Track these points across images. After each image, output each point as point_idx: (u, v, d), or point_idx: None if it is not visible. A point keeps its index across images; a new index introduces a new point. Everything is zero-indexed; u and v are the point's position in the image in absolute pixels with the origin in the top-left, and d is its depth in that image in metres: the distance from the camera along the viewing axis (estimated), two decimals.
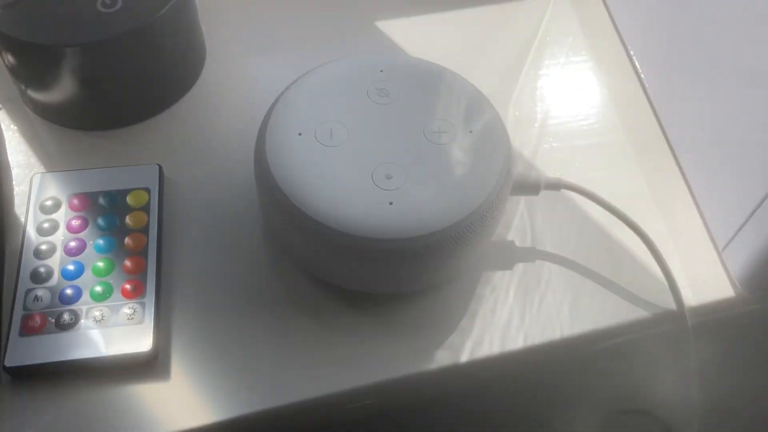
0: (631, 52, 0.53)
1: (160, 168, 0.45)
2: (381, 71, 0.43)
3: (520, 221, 0.45)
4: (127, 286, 0.40)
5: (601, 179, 0.47)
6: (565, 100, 0.52)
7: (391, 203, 0.37)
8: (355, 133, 0.40)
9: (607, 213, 0.44)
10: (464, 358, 0.40)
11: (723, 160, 0.45)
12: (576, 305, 0.42)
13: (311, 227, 0.37)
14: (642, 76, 0.52)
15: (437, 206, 0.38)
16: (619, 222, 0.43)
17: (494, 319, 0.42)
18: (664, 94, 0.50)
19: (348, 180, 0.38)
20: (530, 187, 0.43)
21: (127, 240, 0.42)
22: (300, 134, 0.40)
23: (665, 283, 0.43)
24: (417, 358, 0.40)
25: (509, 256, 0.44)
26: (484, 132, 0.41)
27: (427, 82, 0.43)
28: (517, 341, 0.41)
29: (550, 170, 0.48)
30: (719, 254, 0.44)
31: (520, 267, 0.44)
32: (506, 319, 0.42)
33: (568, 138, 0.50)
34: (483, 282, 0.43)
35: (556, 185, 0.43)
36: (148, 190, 0.44)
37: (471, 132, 0.41)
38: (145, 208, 0.43)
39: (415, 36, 0.54)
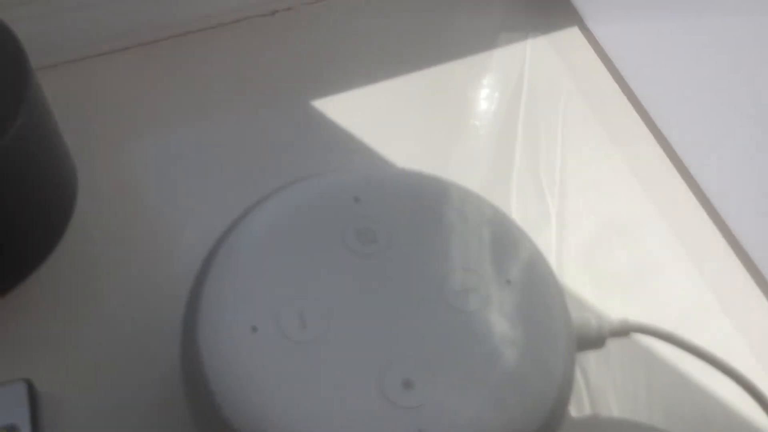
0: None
1: (30, 385, 0.29)
2: (356, 200, 0.29)
3: None
4: None
5: (659, 301, 0.35)
6: (586, 181, 0.39)
7: (421, 431, 0.23)
8: (340, 314, 0.26)
9: (679, 354, 0.32)
10: None
11: None
12: None
13: None
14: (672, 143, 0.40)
15: (492, 422, 0.24)
16: (699, 364, 0.31)
17: None
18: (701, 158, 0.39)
19: (345, 400, 0.24)
20: (592, 342, 0.30)
21: None
22: (255, 329, 0.25)
23: None
24: None
25: None
26: (527, 278, 0.27)
27: (426, 209, 0.29)
28: None
29: (585, 293, 0.35)
30: None
31: None
32: None
33: (598, 239, 0.37)
34: None
35: (623, 330, 0.30)
36: (14, 429, 0.28)
37: (509, 282, 0.27)
38: None
39: (366, 114, 0.40)
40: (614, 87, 0.43)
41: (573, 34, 0.44)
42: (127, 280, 0.33)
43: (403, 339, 0.25)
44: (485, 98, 0.42)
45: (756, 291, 0.36)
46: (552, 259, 0.36)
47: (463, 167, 0.39)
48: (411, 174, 0.30)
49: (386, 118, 0.40)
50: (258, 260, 0.27)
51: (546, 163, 0.40)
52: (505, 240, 0.28)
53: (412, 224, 0.28)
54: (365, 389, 0.24)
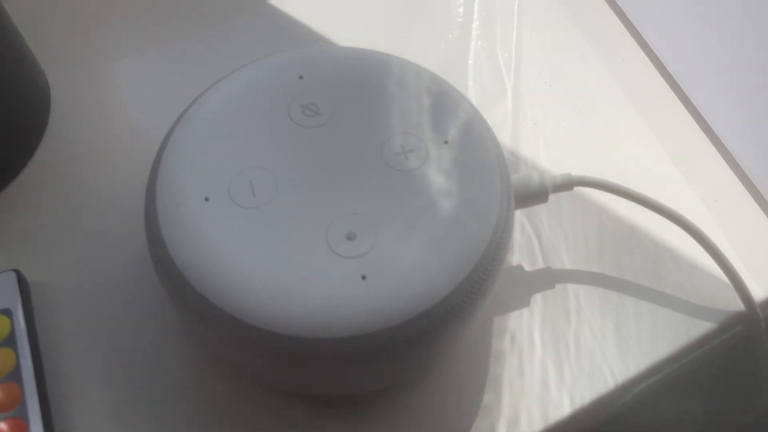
0: None
1: (19, 273, 0.32)
2: (300, 77, 0.30)
3: (522, 236, 0.34)
4: None
5: (611, 159, 0.36)
6: (540, 54, 0.40)
7: (364, 277, 0.26)
8: (287, 180, 0.28)
9: (632, 206, 0.33)
10: None
11: (754, 103, 0.34)
12: (622, 335, 0.32)
13: (254, 338, 0.25)
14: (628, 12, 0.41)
15: (432, 263, 0.26)
16: (650, 214, 0.33)
17: (525, 383, 0.31)
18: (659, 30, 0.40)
19: (295, 254, 0.26)
20: (535, 195, 0.31)
21: None
22: (207, 199, 0.27)
23: (722, 278, 0.33)
24: None
25: (521, 287, 0.33)
26: (464, 137, 0.29)
27: (368, 81, 0.30)
28: (562, 406, 0.30)
29: (540, 160, 0.37)
30: None
31: (538, 299, 0.33)
32: (540, 378, 0.31)
33: (554, 110, 0.38)
34: (497, 333, 0.32)
35: (566, 184, 0.32)
36: (8, 313, 0.31)
37: (446, 142, 0.29)
38: (9, 342, 0.30)
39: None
40: None
41: None
42: (103, 176, 0.35)
43: (346, 199, 0.27)
44: None
45: (708, 146, 0.38)
46: (508, 131, 0.37)
47: (420, 48, 0.40)
48: (352, 50, 0.32)
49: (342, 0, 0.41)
50: (209, 137, 0.28)
51: (502, 40, 0.41)
52: (444, 104, 0.30)
53: (353, 96, 0.30)
54: (312, 245, 0.26)
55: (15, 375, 0.29)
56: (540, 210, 0.35)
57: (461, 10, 0.42)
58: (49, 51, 0.38)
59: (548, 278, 0.33)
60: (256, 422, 0.30)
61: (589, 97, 0.39)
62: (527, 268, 0.33)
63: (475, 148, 0.29)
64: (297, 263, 0.26)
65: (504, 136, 0.37)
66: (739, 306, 0.33)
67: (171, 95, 0.35)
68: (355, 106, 0.29)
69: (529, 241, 0.34)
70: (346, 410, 0.30)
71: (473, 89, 0.39)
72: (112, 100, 0.38)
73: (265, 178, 0.27)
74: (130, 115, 0.37)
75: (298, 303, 0.25)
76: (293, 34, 0.40)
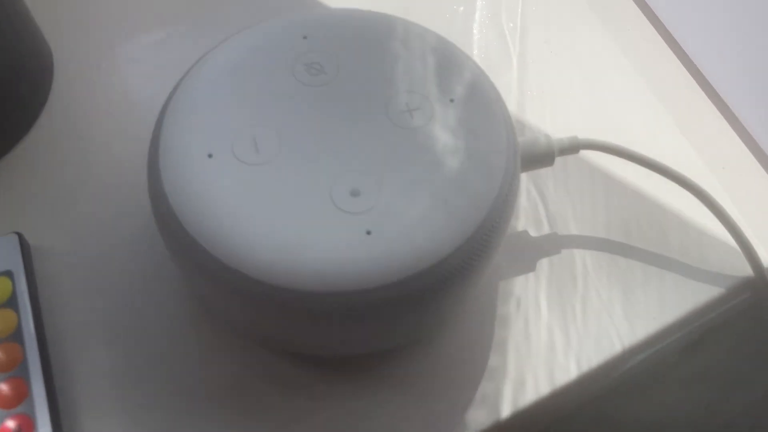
0: None
1: (21, 236, 0.31)
2: (304, 38, 0.30)
3: (527, 202, 0.34)
4: (9, 425, 0.27)
5: (618, 127, 0.36)
6: (545, 24, 0.40)
7: (369, 232, 0.25)
8: (291, 138, 0.27)
9: (638, 172, 0.33)
10: (506, 411, 0.29)
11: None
12: (629, 300, 0.32)
13: (257, 292, 0.25)
14: None
15: (437, 219, 0.26)
16: (657, 180, 0.32)
17: (531, 347, 0.30)
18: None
19: (298, 210, 0.26)
20: (541, 157, 0.31)
21: None
22: (210, 155, 0.27)
23: (730, 243, 0.33)
24: (441, 426, 0.29)
25: (526, 252, 0.33)
26: (470, 96, 0.29)
27: (372, 42, 0.30)
28: (569, 370, 0.30)
29: (546, 127, 0.36)
30: None
31: (544, 264, 0.32)
32: (546, 342, 0.31)
33: (559, 78, 0.38)
34: (503, 296, 0.32)
35: (572, 147, 0.31)
36: (9, 275, 0.30)
37: (452, 101, 0.28)
38: (11, 304, 0.30)
39: None
40: None
41: None
42: (105, 140, 0.35)
43: (350, 156, 0.27)
44: None
45: (716, 113, 0.37)
46: (514, 98, 0.37)
47: (424, 17, 0.39)
48: (357, 11, 0.31)
49: None
50: (212, 95, 0.28)
51: (507, 10, 0.40)
52: (449, 64, 0.29)
53: (358, 56, 0.29)
54: (316, 201, 0.26)
55: (17, 336, 0.29)
56: (546, 175, 0.34)
57: None
58: (54, 21, 0.38)
59: (554, 244, 0.33)
60: (263, 387, 0.29)
61: (595, 66, 0.38)
62: (533, 233, 0.33)
63: (481, 107, 0.28)
64: (301, 219, 0.26)
65: (510, 104, 0.37)
66: (747, 272, 0.32)
67: (174, 64, 0.35)
68: (360, 65, 0.29)
69: (535, 207, 0.34)
70: (351, 373, 0.30)
71: (478, 58, 0.38)
72: (114, 69, 0.37)
73: (269, 136, 0.27)
74: (132, 82, 0.37)
75: (302, 257, 0.25)
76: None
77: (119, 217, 0.33)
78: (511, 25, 0.40)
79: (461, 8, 0.40)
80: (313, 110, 0.28)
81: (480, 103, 0.29)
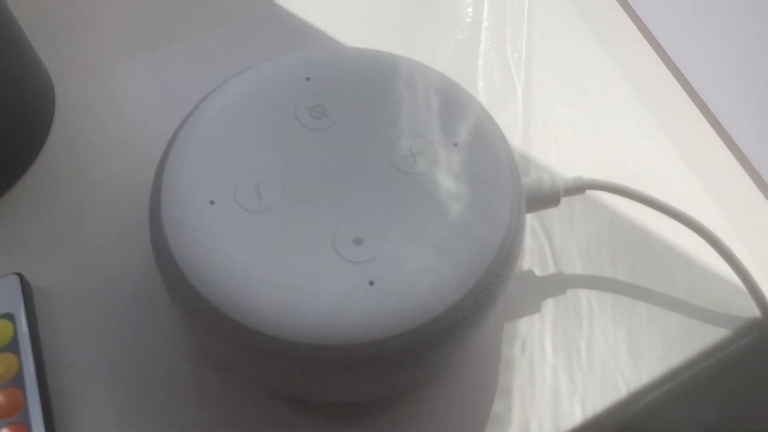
0: None
1: (22, 277, 0.31)
2: (307, 79, 0.30)
3: (533, 240, 0.34)
4: None
5: (624, 162, 0.35)
6: (550, 55, 0.39)
7: (372, 282, 0.25)
8: (294, 184, 0.27)
9: (644, 211, 0.32)
10: None
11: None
12: (634, 341, 0.31)
13: (259, 344, 0.25)
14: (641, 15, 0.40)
15: (441, 269, 0.25)
16: (663, 219, 0.32)
17: (536, 391, 0.30)
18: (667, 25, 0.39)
19: (301, 259, 0.25)
20: (546, 199, 0.31)
21: None
22: (213, 202, 0.26)
23: (736, 283, 0.32)
24: None
25: (531, 293, 0.32)
26: (474, 140, 0.28)
27: (376, 83, 0.30)
28: (574, 415, 0.30)
29: (551, 161, 0.36)
30: None
31: (549, 304, 0.32)
32: (551, 386, 0.30)
33: (565, 111, 0.38)
34: (507, 338, 0.31)
35: (578, 188, 0.31)
36: (10, 317, 0.30)
37: (456, 145, 0.28)
38: (12, 347, 0.30)
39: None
40: None
41: None
42: (107, 178, 0.35)
43: (354, 202, 0.27)
44: None
45: (722, 149, 0.37)
46: (519, 133, 0.37)
47: (428, 49, 0.39)
48: (359, 50, 0.31)
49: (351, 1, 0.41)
50: (214, 139, 0.28)
51: (512, 41, 0.40)
52: (453, 106, 0.29)
53: (361, 98, 0.29)
54: (319, 249, 0.26)
55: (17, 380, 0.29)
56: (551, 214, 0.34)
57: (470, 10, 0.41)
58: (54, 52, 0.38)
59: (560, 283, 0.33)
60: (261, 428, 0.29)
61: (600, 99, 0.38)
62: (538, 273, 0.33)
63: (485, 151, 0.28)
64: (303, 268, 0.25)
65: (514, 138, 0.36)
66: (754, 312, 0.32)
67: (176, 96, 0.35)
68: (363, 107, 0.29)
69: (541, 246, 0.33)
70: (353, 418, 0.29)
71: (483, 90, 0.38)
72: (116, 102, 0.37)
73: (271, 181, 0.27)
74: (134, 116, 0.37)
75: (304, 309, 0.24)
76: (300, 34, 0.40)
77: (122, 254, 0.32)
78: (516, 56, 0.39)
79: (466, 39, 0.40)
80: (316, 155, 0.28)
81: (484, 147, 0.28)
